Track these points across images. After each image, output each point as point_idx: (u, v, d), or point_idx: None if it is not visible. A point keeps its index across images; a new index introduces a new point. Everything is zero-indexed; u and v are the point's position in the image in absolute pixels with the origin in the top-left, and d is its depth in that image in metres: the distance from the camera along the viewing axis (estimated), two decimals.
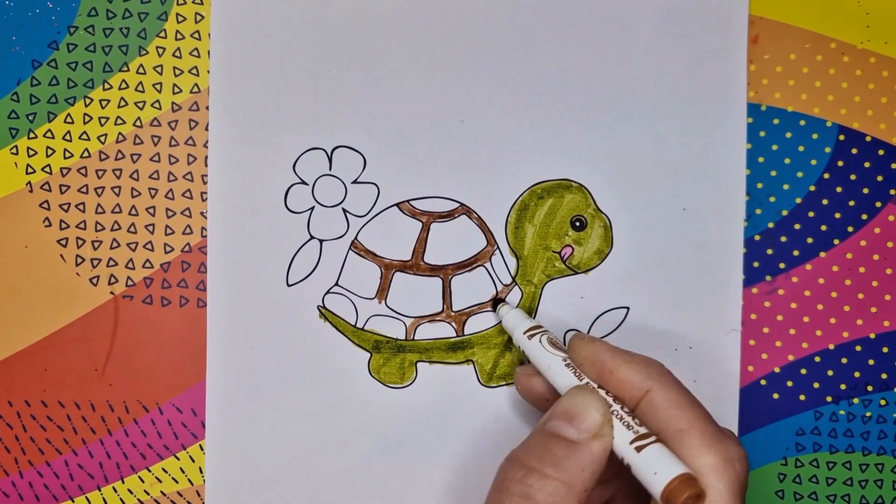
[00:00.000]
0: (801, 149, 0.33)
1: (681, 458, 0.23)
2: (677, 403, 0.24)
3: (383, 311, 0.33)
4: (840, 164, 0.32)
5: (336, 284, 0.33)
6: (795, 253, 0.33)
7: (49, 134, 0.32)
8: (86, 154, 0.33)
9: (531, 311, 0.33)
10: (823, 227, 0.33)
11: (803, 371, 0.33)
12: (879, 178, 0.32)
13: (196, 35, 0.33)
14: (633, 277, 0.32)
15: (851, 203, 0.33)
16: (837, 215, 0.33)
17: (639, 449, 0.23)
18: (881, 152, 0.32)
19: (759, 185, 0.33)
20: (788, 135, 0.33)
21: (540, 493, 0.23)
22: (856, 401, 0.33)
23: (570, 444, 0.23)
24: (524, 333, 0.29)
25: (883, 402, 0.33)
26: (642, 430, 0.24)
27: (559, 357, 0.27)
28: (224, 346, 0.32)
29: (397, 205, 0.33)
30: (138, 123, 0.33)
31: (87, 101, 0.32)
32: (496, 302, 0.32)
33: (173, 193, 0.33)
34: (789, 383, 0.33)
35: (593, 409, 0.24)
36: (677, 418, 0.23)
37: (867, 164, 0.32)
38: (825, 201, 0.33)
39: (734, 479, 0.22)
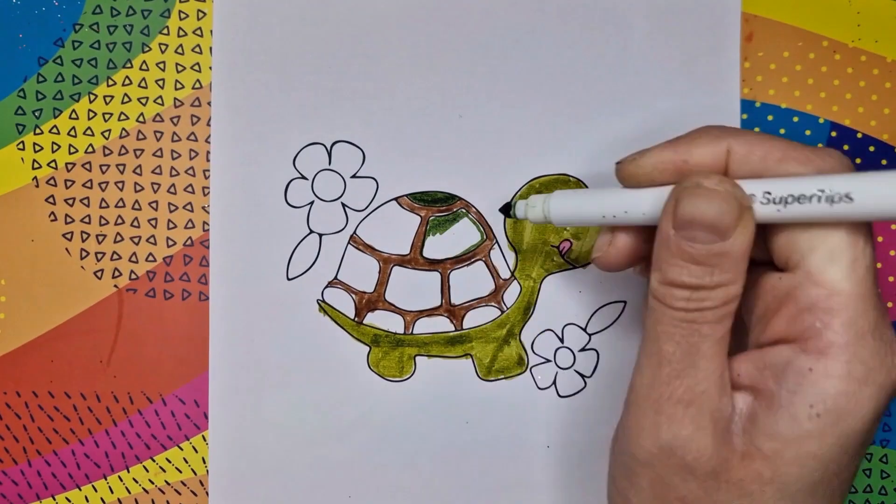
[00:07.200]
0: None
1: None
2: (759, 141, 0.21)
3: (382, 306, 0.33)
4: None
5: (335, 278, 0.33)
6: None
7: (54, 130, 0.33)
8: (90, 149, 0.33)
9: (530, 306, 0.33)
10: None
11: None
12: None
13: (198, 32, 0.33)
14: (630, 271, 0.33)
15: None
16: None
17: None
18: (871, 149, 0.33)
19: None
20: (782, 131, 0.33)
21: (708, 310, 0.21)
22: None
23: (716, 249, 0.21)
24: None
25: None
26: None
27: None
28: (226, 339, 0.33)
29: (396, 199, 0.33)
30: (141, 119, 0.33)
31: (92, 97, 0.33)
32: (507, 207, 0.30)
33: (175, 188, 0.33)
34: None
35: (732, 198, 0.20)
36: (765, 158, 0.21)
37: (858, 160, 0.33)
38: None
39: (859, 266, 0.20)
